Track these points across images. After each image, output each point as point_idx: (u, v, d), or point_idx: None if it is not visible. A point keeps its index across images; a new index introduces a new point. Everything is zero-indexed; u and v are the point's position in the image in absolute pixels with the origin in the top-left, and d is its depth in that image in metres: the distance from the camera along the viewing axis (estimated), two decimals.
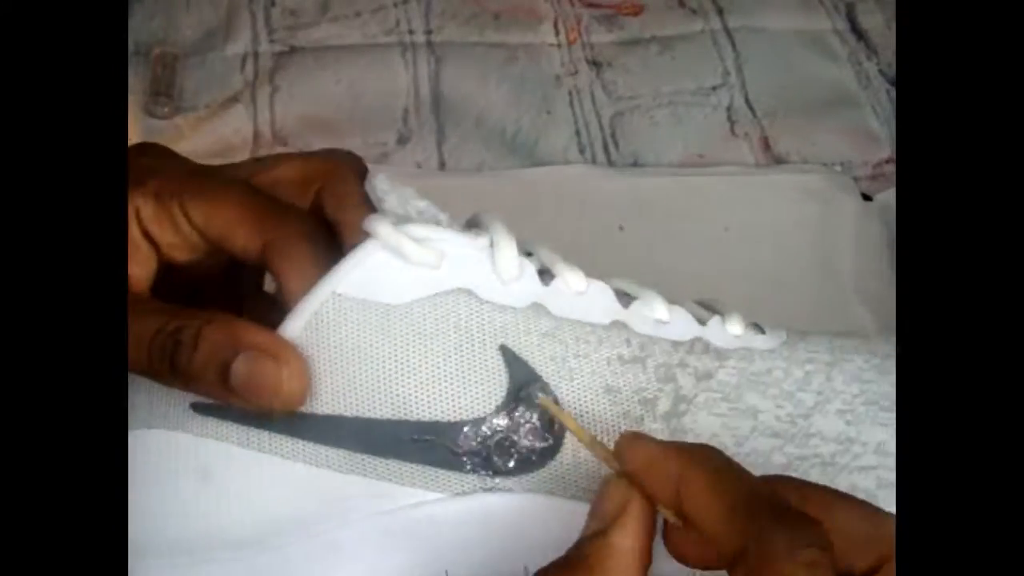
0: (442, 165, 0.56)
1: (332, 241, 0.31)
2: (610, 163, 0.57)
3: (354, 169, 0.33)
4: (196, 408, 0.30)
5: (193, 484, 0.29)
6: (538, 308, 0.30)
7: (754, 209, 0.54)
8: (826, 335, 0.33)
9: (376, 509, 0.29)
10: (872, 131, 0.59)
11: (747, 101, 0.60)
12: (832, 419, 0.31)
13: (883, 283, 0.51)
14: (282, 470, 0.29)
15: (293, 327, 0.29)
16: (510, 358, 0.29)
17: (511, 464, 0.29)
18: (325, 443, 0.29)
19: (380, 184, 0.31)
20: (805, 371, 0.32)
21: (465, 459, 0.29)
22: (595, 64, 0.62)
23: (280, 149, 0.55)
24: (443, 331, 0.29)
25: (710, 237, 0.53)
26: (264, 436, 0.29)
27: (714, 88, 0.61)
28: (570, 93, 0.60)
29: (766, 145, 0.58)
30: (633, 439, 0.25)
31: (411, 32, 0.62)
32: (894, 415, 0.31)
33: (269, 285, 0.35)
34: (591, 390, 0.30)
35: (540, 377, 0.29)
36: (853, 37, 0.64)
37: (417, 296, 0.29)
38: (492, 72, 0.60)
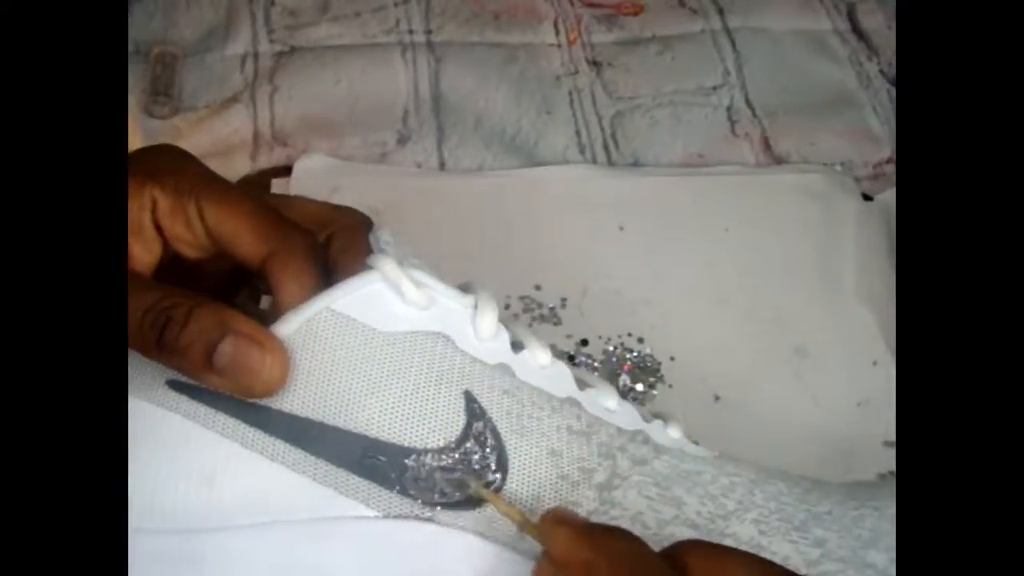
0: (442, 165, 0.56)
1: (329, 273, 0.33)
2: (610, 163, 0.57)
3: (367, 226, 0.35)
4: (171, 385, 0.31)
5: (150, 454, 0.31)
6: (504, 368, 0.32)
7: (754, 209, 0.54)
8: (754, 466, 0.36)
9: (314, 514, 0.31)
10: (872, 131, 0.59)
11: (747, 101, 0.60)
12: (747, 526, 0.33)
13: (883, 283, 0.51)
14: (239, 457, 0.31)
15: (284, 328, 0.31)
16: (471, 403, 0.31)
17: (449, 499, 0.31)
18: (286, 440, 0.31)
19: (383, 236, 0.33)
20: (731, 481, 0.34)
21: (408, 485, 0.31)
22: (595, 64, 0.62)
23: (280, 149, 0.55)
24: (417, 365, 0.31)
25: (710, 237, 0.53)
26: (230, 423, 0.31)
27: (714, 88, 0.61)
28: (570, 93, 0.60)
29: (766, 145, 0.58)
30: (555, 523, 0.28)
31: (411, 32, 0.62)
32: (804, 536, 0.34)
33: (264, 303, 0.36)
34: (537, 449, 0.32)
35: (495, 426, 0.31)
36: (853, 37, 0.64)
37: (402, 329, 0.31)
38: (492, 72, 0.60)
